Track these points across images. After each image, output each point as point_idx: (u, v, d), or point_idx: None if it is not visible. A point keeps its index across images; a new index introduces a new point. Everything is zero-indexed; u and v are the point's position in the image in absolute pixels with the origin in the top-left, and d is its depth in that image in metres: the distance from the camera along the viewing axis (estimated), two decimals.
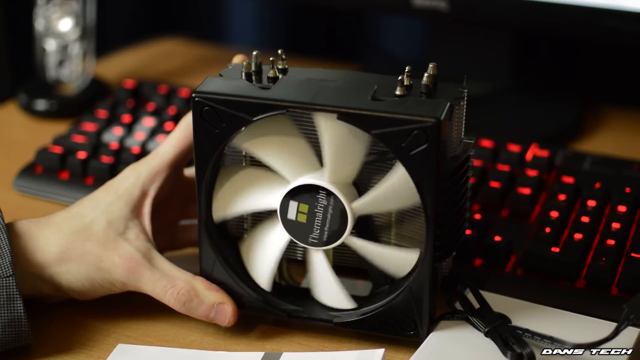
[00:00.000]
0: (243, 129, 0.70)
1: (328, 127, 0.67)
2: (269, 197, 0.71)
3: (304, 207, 0.70)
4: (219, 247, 0.73)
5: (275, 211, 0.71)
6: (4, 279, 0.70)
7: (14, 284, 0.70)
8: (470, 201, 0.83)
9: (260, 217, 0.74)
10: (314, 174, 0.70)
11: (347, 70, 0.76)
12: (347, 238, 0.70)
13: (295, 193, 0.70)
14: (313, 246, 0.71)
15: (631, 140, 1.04)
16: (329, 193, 0.69)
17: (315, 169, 0.70)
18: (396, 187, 0.68)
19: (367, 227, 0.72)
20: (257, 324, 0.75)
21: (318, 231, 0.70)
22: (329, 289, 0.72)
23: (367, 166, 0.70)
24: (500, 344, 0.69)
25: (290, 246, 0.74)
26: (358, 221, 0.70)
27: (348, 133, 0.67)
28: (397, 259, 0.71)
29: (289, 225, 0.71)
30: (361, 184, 0.71)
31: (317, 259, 0.72)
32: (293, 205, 0.70)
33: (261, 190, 0.72)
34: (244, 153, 0.73)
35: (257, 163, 0.73)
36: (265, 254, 0.73)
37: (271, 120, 0.68)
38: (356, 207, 0.69)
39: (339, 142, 0.68)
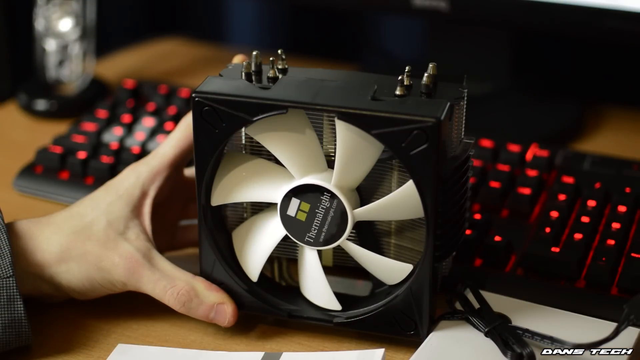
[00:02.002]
0: (243, 129, 0.70)
1: (344, 133, 0.67)
2: (272, 190, 0.71)
3: (305, 206, 0.70)
4: (218, 247, 0.73)
5: (275, 205, 0.71)
6: (4, 279, 0.70)
7: (14, 284, 0.70)
8: (470, 201, 0.83)
9: (260, 210, 0.74)
10: (320, 174, 0.70)
11: (347, 70, 0.76)
12: (344, 242, 0.70)
13: (299, 191, 0.70)
14: (308, 245, 0.71)
15: (631, 140, 1.04)
16: (333, 196, 0.69)
17: (322, 170, 0.70)
18: (401, 200, 0.69)
19: (366, 232, 0.73)
20: (257, 324, 0.75)
21: (316, 231, 0.70)
22: (316, 288, 0.73)
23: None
24: (500, 344, 0.69)
25: (290, 246, 0.74)
26: (357, 225, 0.70)
27: (363, 140, 0.67)
28: (390, 268, 0.71)
29: (287, 221, 0.71)
30: (362, 188, 0.71)
31: (310, 257, 0.72)
32: (295, 202, 0.70)
33: (265, 182, 0.72)
34: (243, 142, 0.73)
35: (256, 154, 0.73)
36: (258, 245, 0.73)
37: (287, 115, 0.68)
38: (358, 213, 0.69)
39: (353, 148, 0.68)
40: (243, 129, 0.72)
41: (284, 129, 0.69)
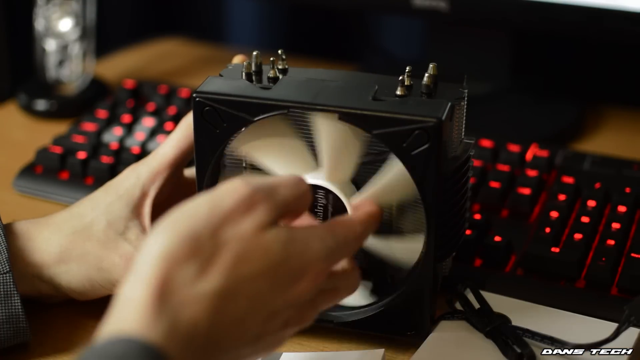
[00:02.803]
0: (243, 129, 0.70)
1: (325, 126, 0.67)
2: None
3: None
4: None
5: None
6: (1, 275, 0.70)
7: (11, 280, 0.70)
8: (470, 201, 0.83)
9: None
10: (311, 174, 0.70)
11: (347, 71, 0.76)
12: None
13: None
14: None
15: (631, 140, 1.04)
16: (328, 191, 0.69)
17: (312, 169, 0.70)
18: (394, 181, 0.68)
19: None
20: None
21: None
22: None
23: (366, 166, 0.70)
24: (501, 344, 0.69)
25: None
26: None
27: (345, 131, 0.67)
28: (403, 248, 0.71)
29: None
30: (360, 183, 0.71)
31: None
32: None
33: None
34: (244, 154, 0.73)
35: (257, 167, 0.72)
36: None
37: (266, 122, 0.68)
38: (355, 204, 0.69)
39: (336, 140, 0.68)
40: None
41: (265, 136, 0.69)
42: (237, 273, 0.54)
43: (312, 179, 0.69)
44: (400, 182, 0.68)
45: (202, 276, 0.53)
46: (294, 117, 0.70)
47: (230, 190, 0.57)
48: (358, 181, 0.71)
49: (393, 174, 0.68)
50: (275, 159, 0.70)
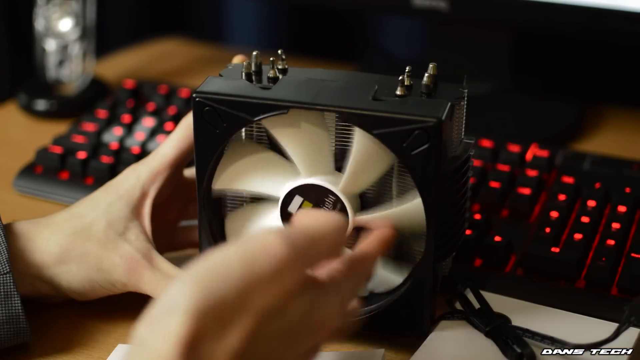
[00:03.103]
0: (243, 130, 0.70)
1: (360, 140, 0.67)
2: (276, 184, 0.71)
3: (308, 205, 0.70)
4: (217, 240, 0.73)
5: (273, 200, 0.71)
6: (1, 275, 0.70)
7: (11, 280, 0.70)
8: (470, 201, 0.83)
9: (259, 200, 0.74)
10: (327, 176, 0.70)
11: (347, 71, 0.76)
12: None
13: (304, 189, 0.70)
14: None
15: (631, 140, 1.04)
16: (338, 200, 0.69)
17: (329, 171, 0.70)
18: (404, 215, 0.69)
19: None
20: None
21: None
22: None
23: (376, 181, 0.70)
24: (501, 344, 0.69)
25: None
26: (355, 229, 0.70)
27: (377, 150, 0.67)
28: (381, 277, 0.71)
29: (286, 217, 0.71)
30: (365, 194, 0.71)
31: None
32: (298, 200, 0.70)
33: (271, 175, 0.72)
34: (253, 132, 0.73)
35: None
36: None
37: (304, 114, 0.68)
38: (359, 220, 0.69)
39: (367, 157, 0.68)
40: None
41: (299, 126, 0.69)
42: (257, 334, 0.54)
43: (328, 183, 0.69)
44: (411, 218, 0.68)
45: (223, 336, 0.53)
46: (331, 120, 0.70)
47: (265, 249, 0.55)
48: (364, 195, 0.71)
49: (406, 207, 0.68)
50: (300, 149, 0.70)
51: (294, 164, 0.70)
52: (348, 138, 0.69)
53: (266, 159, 0.72)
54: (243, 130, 0.73)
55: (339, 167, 0.71)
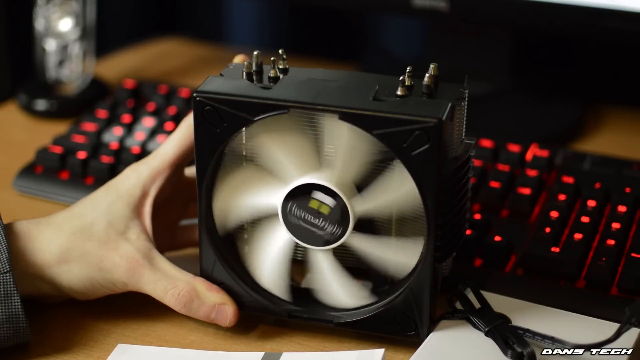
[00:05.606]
0: (244, 129, 0.70)
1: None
2: (270, 197, 0.71)
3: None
4: (218, 247, 0.73)
5: (273, 211, 0.71)
6: (2, 274, 0.70)
7: (11, 280, 0.70)
8: (470, 201, 0.83)
9: (260, 216, 0.74)
10: (314, 174, 0.70)
11: (347, 71, 0.76)
12: (348, 239, 0.70)
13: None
14: (315, 246, 0.71)
15: (631, 140, 1.05)
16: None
17: (315, 169, 0.70)
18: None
19: (368, 228, 0.73)
20: (257, 324, 0.75)
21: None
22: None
23: (367, 167, 0.70)
24: (501, 344, 0.69)
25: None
26: (359, 222, 0.70)
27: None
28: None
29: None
30: (361, 184, 0.71)
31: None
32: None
33: (262, 191, 0.72)
34: (244, 153, 0.73)
35: (257, 163, 0.73)
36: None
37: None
38: (358, 208, 0.69)
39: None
40: (244, 130, 0.72)
41: (273, 131, 0.69)
42: None
43: (318, 179, 0.69)
44: (403, 191, 0.68)
45: None
46: (301, 117, 0.70)
47: None
48: (361, 185, 0.71)
49: (397, 182, 0.68)
50: (281, 156, 0.70)
51: (277, 173, 0.70)
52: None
53: (252, 176, 0.72)
54: (237, 143, 0.73)
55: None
